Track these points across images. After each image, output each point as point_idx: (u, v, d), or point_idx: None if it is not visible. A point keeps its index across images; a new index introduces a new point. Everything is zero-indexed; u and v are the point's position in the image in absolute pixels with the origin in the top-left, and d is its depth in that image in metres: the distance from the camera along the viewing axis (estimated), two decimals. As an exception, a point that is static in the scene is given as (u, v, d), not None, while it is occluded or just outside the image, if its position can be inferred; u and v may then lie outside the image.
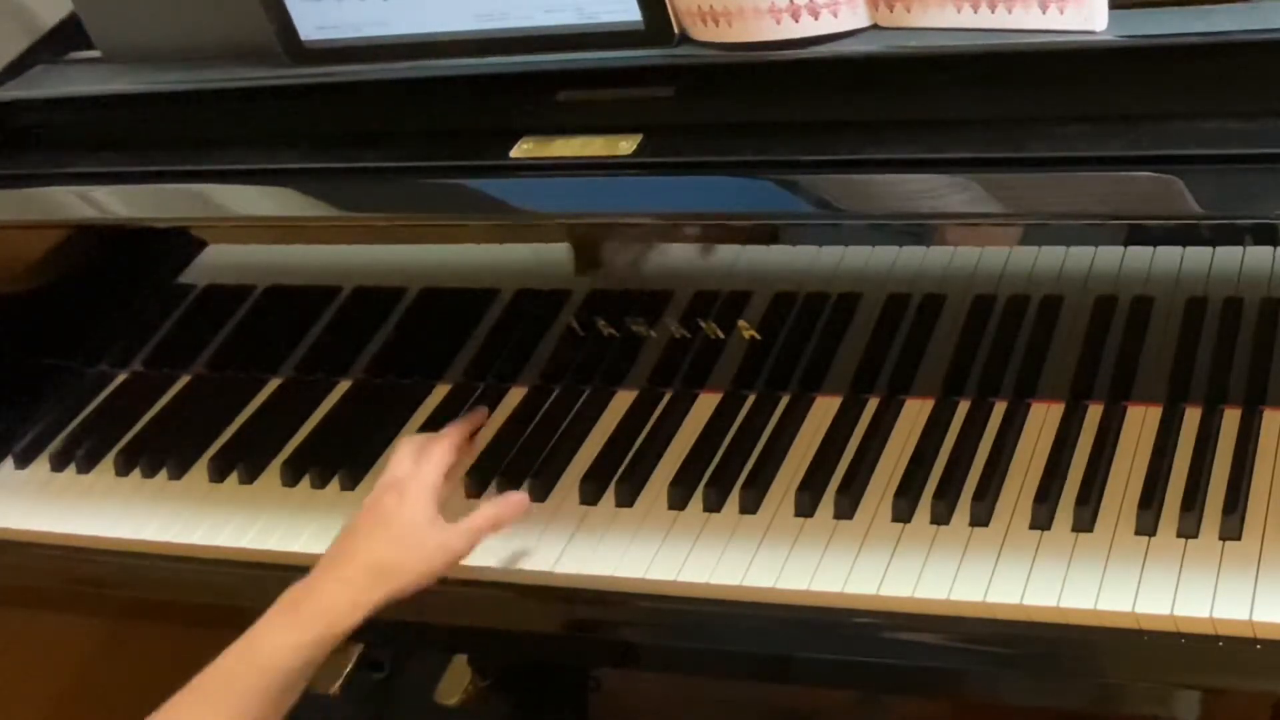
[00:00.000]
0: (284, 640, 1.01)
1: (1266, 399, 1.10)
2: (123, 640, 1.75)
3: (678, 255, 1.19)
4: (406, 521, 1.07)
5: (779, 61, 1.01)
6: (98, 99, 1.24)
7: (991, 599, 1.02)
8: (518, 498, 1.13)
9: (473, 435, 1.22)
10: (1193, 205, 0.93)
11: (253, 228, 1.29)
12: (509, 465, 1.22)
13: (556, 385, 1.30)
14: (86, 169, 1.22)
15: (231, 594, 1.25)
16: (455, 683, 1.50)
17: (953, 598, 1.02)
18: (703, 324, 1.20)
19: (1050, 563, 1.03)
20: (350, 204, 1.16)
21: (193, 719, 0.99)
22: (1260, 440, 1.08)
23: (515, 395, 1.30)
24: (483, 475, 1.21)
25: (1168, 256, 1.07)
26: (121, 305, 1.42)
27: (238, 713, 0.98)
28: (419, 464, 1.11)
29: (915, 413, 1.18)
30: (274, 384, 1.39)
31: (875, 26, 1.00)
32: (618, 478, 1.19)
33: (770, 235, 1.16)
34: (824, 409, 1.21)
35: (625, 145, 1.06)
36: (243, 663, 1.00)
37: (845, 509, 1.11)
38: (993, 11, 0.96)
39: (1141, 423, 1.12)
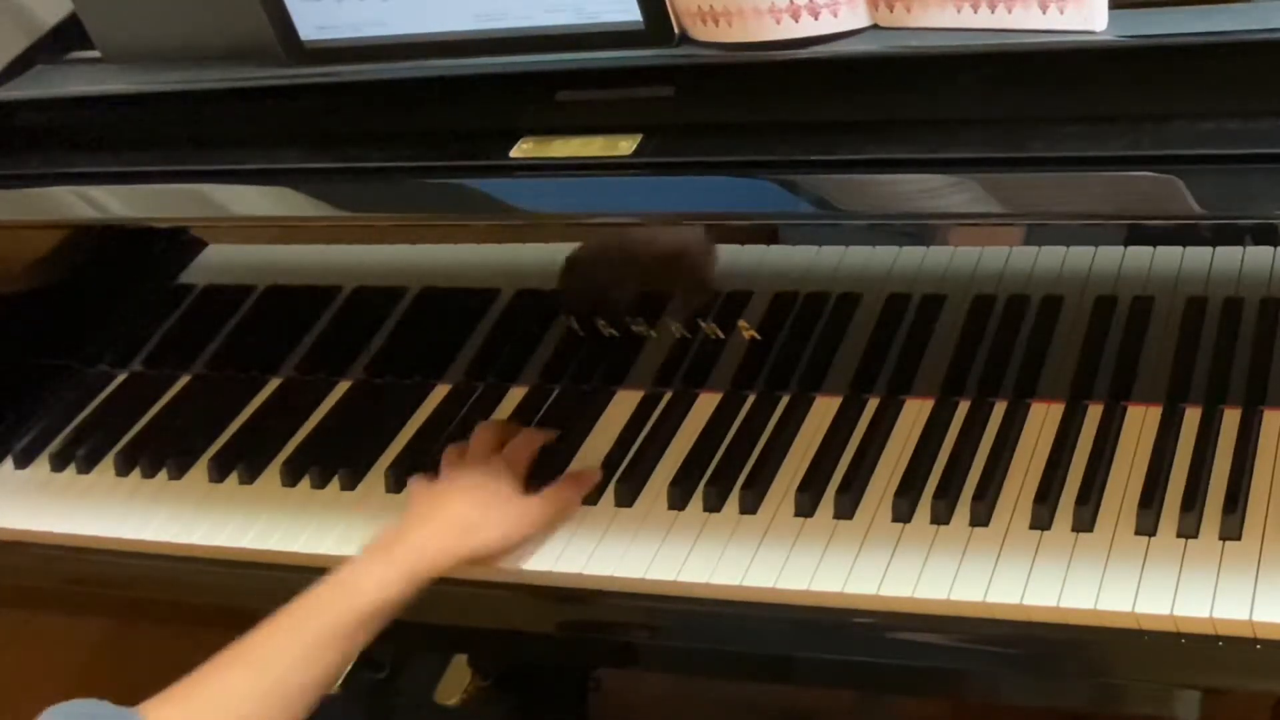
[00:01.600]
0: (375, 578, 1.06)
1: (1266, 399, 1.10)
2: (123, 640, 1.75)
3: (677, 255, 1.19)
4: (492, 488, 1.13)
5: (779, 61, 1.00)
6: (98, 99, 1.24)
7: (991, 599, 1.02)
8: (590, 473, 1.18)
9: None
10: (1193, 205, 0.93)
11: (253, 228, 1.29)
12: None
13: (556, 385, 1.30)
14: (86, 169, 1.22)
15: (231, 594, 1.25)
16: (455, 683, 1.50)
17: (953, 598, 1.02)
18: (703, 324, 1.20)
19: (1050, 563, 1.03)
20: (350, 204, 1.16)
21: (283, 643, 1.02)
22: (1260, 440, 1.08)
23: (515, 395, 1.31)
24: (483, 475, 1.21)
25: (1168, 256, 1.07)
26: (121, 305, 1.42)
27: (320, 642, 1.03)
28: (505, 450, 1.19)
29: (915, 413, 1.18)
30: (274, 384, 1.39)
31: (875, 26, 1.00)
32: (618, 478, 1.19)
33: (770, 235, 1.16)
34: (824, 409, 1.21)
35: (625, 145, 1.06)
36: (335, 596, 1.05)
37: (845, 509, 1.11)
38: (993, 11, 0.96)
39: (1141, 423, 1.12)
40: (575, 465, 1.22)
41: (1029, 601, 1.01)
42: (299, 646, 1.02)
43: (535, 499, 1.14)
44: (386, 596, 1.05)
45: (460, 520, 1.11)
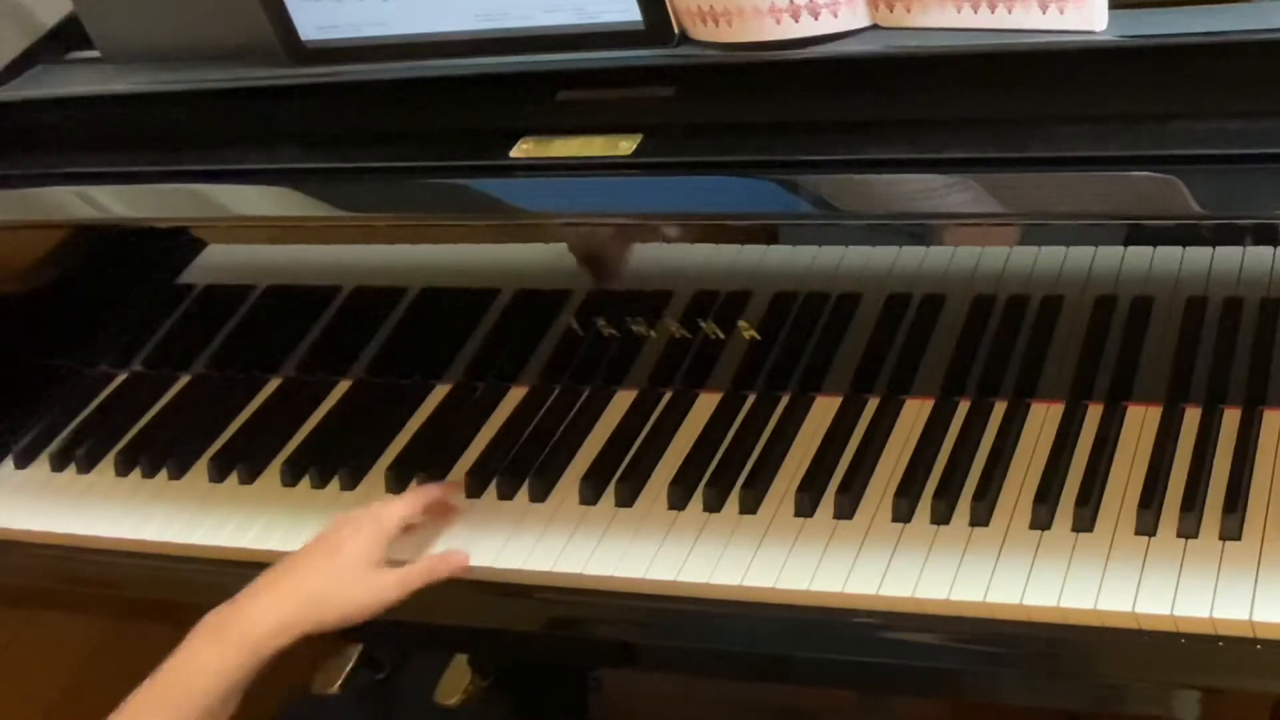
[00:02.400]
0: (209, 664, 1.02)
1: (1266, 399, 1.10)
2: (123, 640, 1.75)
3: (678, 255, 1.19)
4: (350, 558, 1.08)
5: (779, 61, 1.01)
6: (98, 99, 1.24)
7: (991, 599, 1.02)
8: (458, 558, 1.13)
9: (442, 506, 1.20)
10: (1193, 205, 0.93)
11: (253, 228, 1.28)
12: (509, 465, 1.22)
13: (556, 385, 1.30)
14: (86, 169, 1.22)
15: (231, 594, 1.25)
16: (455, 683, 1.50)
17: (953, 598, 1.02)
18: (703, 324, 1.20)
19: (1050, 563, 1.03)
20: (350, 204, 1.16)
21: None
22: (1260, 440, 1.08)
23: (515, 395, 1.30)
24: (483, 475, 1.21)
25: (1168, 256, 1.07)
26: (121, 305, 1.42)
27: None
28: (384, 505, 1.13)
29: (915, 413, 1.18)
30: (274, 384, 1.39)
31: (875, 26, 1.00)
32: (618, 478, 1.19)
33: (770, 235, 1.16)
34: (824, 409, 1.21)
35: (625, 145, 1.06)
36: (164, 688, 1.02)
37: (845, 509, 1.11)
38: (993, 11, 0.96)
39: (1141, 423, 1.12)
40: (575, 465, 1.22)
41: (1029, 601, 1.01)
42: None
43: (392, 576, 1.09)
44: (222, 684, 1.01)
45: (306, 592, 1.06)
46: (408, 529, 1.14)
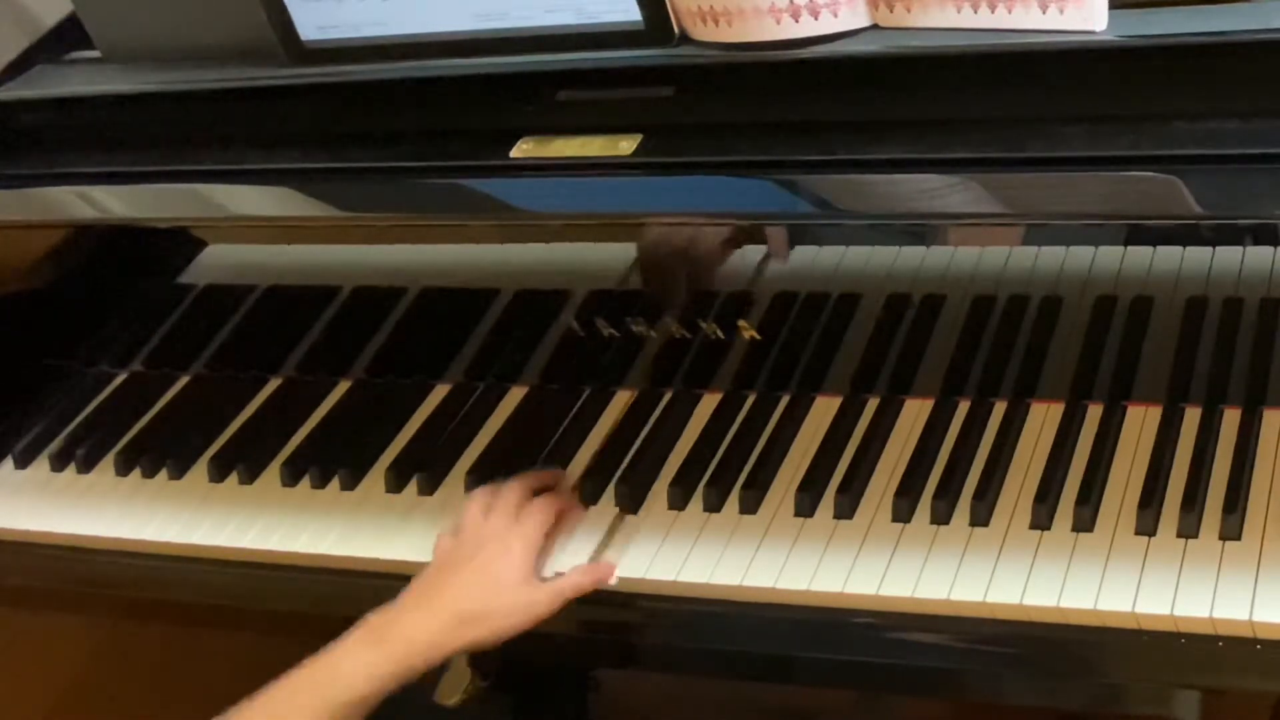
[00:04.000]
0: (363, 669, 1.02)
1: (1266, 399, 1.10)
2: (123, 640, 1.75)
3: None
4: (503, 576, 1.07)
5: (779, 61, 1.01)
6: (98, 99, 1.24)
7: (991, 599, 1.02)
8: (607, 567, 1.11)
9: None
10: (1193, 205, 0.93)
11: (253, 228, 1.28)
12: (509, 466, 1.22)
13: (556, 385, 1.30)
14: (86, 169, 1.22)
15: (231, 594, 1.25)
16: (455, 683, 1.49)
17: (953, 598, 1.02)
18: (703, 324, 1.20)
19: (1050, 563, 1.03)
20: (350, 204, 1.16)
21: None
22: (1260, 440, 1.08)
23: (515, 395, 1.30)
24: (483, 476, 1.21)
25: (1168, 256, 1.07)
26: (121, 305, 1.42)
27: None
28: (524, 520, 1.11)
29: (915, 413, 1.18)
30: (274, 384, 1.39)
31: (875, 26, 1.00)
32: (618, 478, 1.19)
33: (770, 235, 1.16)
34: (824, 409, 1.21)
35: (625, 145, 1.06)
36: (317, 682, 1.01)
37: (845, 509, 1.11)
38: (993, 11, 0.96)
39: (1141, 423, 1.12)
40: (575, 466, 1.22)
41: (1029, 601, 1.01)
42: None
43: (543, 591, 1.08)
44: (372, 689, 1.02)
45: (459, 611, 1.05)
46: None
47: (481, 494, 1.15)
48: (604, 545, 1.13)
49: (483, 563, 1.08)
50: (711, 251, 1.17)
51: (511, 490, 1.14)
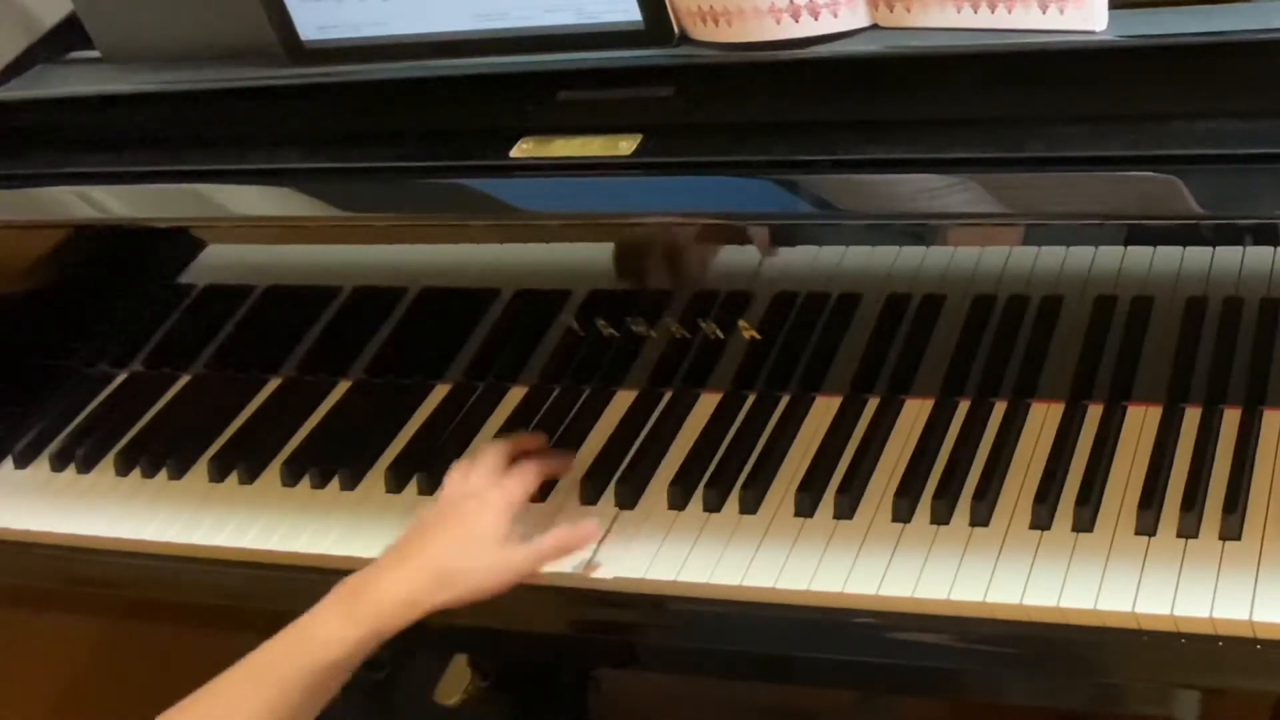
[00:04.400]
0: (336, 631, 1.02)
1: (1266, 399, 1.10)
2: (123, 640, 1.75)
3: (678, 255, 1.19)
4: (481, 532, 1.06)
5: (779, 61, 1.01)
6: (98, 99, 1.24)
7: (991, 599, 1.02)
8: (588, 527, 1.11)
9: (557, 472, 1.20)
10: (1193, 205, 0.93)
11: (253, 228, 1.28)
12: (509, 465, 1.22)
13: (556, 385, 1.30)
14: (86, 169, 1.22)
15: (231, 594, 1.25)
16: (455, 683, 1.50)
17: (953, 598, 1.02)
18: (703, 324, 1.20)
19: (1050, 563, 1.03)
20: (350, 204, 1.16)
21: (236, 698, 1.00)
22: (1260, 440, 1.08)
23: (515, 395, 1.31)
24: (483, 475, 1.21)
25: (1168, 256, 1.07)
26: (121, 305, 1.42)
27: (280, 697, 0.99)
28: (506, 478, 1.11)
29: (915, 413, 1.18)
30: (274, 384, 1.39)
31: (875, 26, 1.00)
32: (618, 478, 1.19)
33: (770, 235, 1.16)
34: (824, 409, 1.21)
35: (625, 145, 1.06)
36: (292, 649, 1.01)
37: (845, 509, 1.11)
38: (993, 11, 0.96)
39: (1141, 423, 1.12)
40: (575, 465, 1.21)
41: (1029, 601, 1.01)
42: (256, 700, 0.99)
43: (522, 550, 1.07)
44: (349, 651, 1.01)
45: (437, 567, 1.05)
46: None
47: (462, 460, 1.14)
48: (604, 545, 1.13)
49: (459, 520, 1.07)
50: (709, 251, 1.17)
51: (490, 453, 1.13)
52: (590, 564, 1.11)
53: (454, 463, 1.15)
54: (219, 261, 1.35)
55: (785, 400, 1.22)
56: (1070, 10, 0.94)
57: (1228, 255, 1.05)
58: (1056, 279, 1.11)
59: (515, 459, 1.15)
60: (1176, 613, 0.97)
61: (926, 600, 1.03)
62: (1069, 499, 1.07)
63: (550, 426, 1.26)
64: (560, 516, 1.16)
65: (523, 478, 1.12)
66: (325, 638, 1.02)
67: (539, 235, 1.22)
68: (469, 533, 1.06)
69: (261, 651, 1.01)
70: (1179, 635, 0.98)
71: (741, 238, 1.16)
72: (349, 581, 1.05)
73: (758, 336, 1.20)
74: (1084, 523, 1.05)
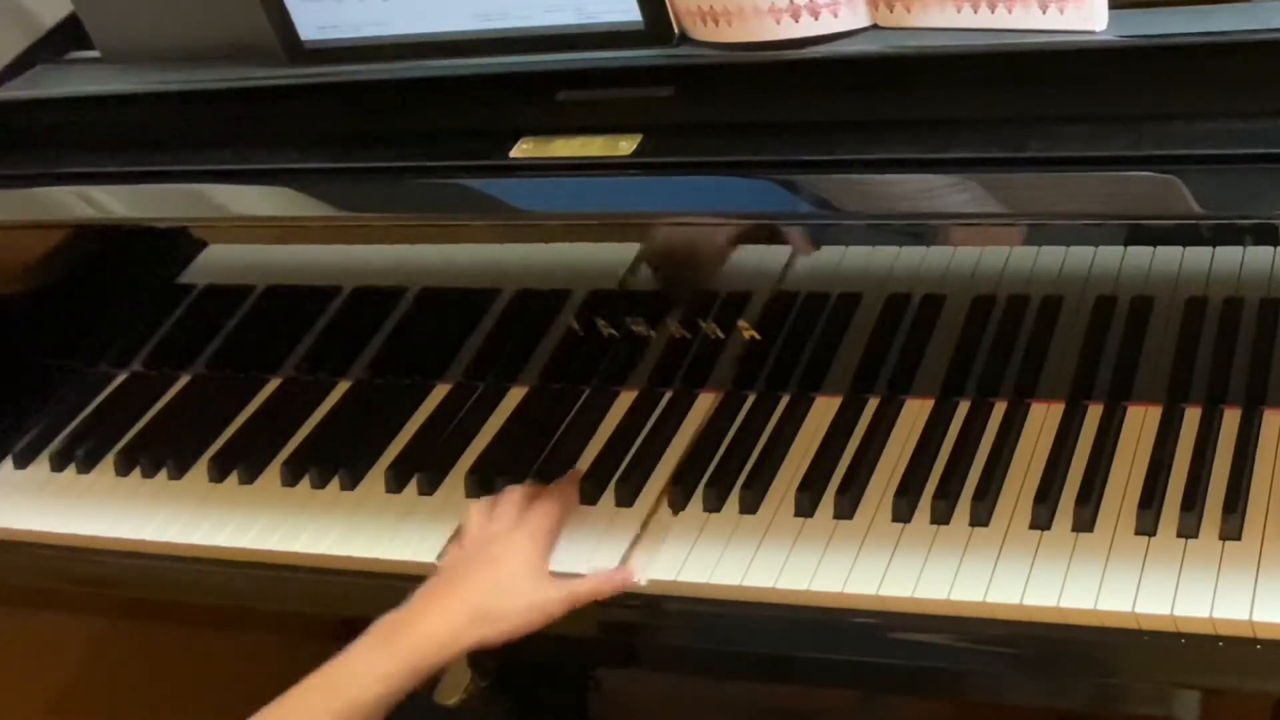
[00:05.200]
0: (374, 669, 1.01)
1: (1266, 399, 1.10)
2: (123, 640, 1.75)
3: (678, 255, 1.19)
4: (514, 573, 1.07)
5: (779, 61, 1.01)
6: (98, 99, 1.24)
7: (991, 599, 1.02)
8: (625, 574, 1.10)
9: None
10: (1193, 205, 0.93)
11: (253, 228, 1.29)
12: (509, 465, 1.22)
13: (556, 385, 1.30)
14: (86, 169, 1.22)
15: (231, 594, 1.25)
16: (455, 683, 1.49)
17: (953, 598, 1.02)
18: (703, 324, 1.20)
19: (1050, 563, 1.03)
20: (350, 204, 1.16)
21: None
22: (1260, 440, 1.08)
23: (515, 395, 1.30)
24: (483, 476, 1.21)
25: (1168, 256, 1.07)
26: (121, 305, 1.42)
27: None
28: (527, 515, 1.11)
29: (915, 413, 1.18)
30: (274, 384, 1.39)
31: (875, 26, 1.00)
32: (618, 478, 1.19)
33: (770, 235, 1.16)
34: (824, 409, 1.21)
35: (625, 145, 1.06)
36: (330, 685, 1.01)
37: (845, 509, 1.11)
38: (993, 11, 0.96)
39: (1141, 423, 1.12)
40: (576, 466, 1.21)
41: (1029, 601, 1.01)
42: None
43: (558, 592, 1.07)
44: (386, 690, 1.01)
45: (473, 608, 1.05)
46: None
47: (483, 500, 1.15)
48: (604, 546, 1.13)
49: (493, 561, 1.08)
50: (714, 251, 1.17)
51: (513, 491, 1.14)
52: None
53: (474, 501, 1.15)
54: (219, 261, 1.35)
55: (785, 400, 1.22)
56: (1070, 10, 0.94)
57: (1228, 255, 1.05)
58: (1056, 279, 1.11)
59: (534, 494, 1.15)
60: (1176, 613, 0.97)
61: (926, 600, 1.03)
62: (1069, 499, 1.07)
63: (550, 426, 1.26)
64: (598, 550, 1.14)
65: (545, 514, 1.12)
66: (364, 674, 1.01)
67: (539, 235, 1.22)
68: (503, 574, 1.07)
69: (299, 689, 1.01)
70: (1179, 635, 0.98)
71: (741, 237, 1.16)
72: (387, 619, 1.04)
73: (758, 336, 1.20)
74: (1084, 523, 1.05)
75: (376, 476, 1.25)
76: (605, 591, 1.09)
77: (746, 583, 1.08)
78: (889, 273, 1.14)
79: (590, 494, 1.18)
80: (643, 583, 1.10)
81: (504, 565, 1.07)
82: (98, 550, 1.28)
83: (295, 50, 1.13)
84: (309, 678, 1.01)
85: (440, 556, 1.15)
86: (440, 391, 1.33)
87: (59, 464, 1.36)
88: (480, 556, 1.09)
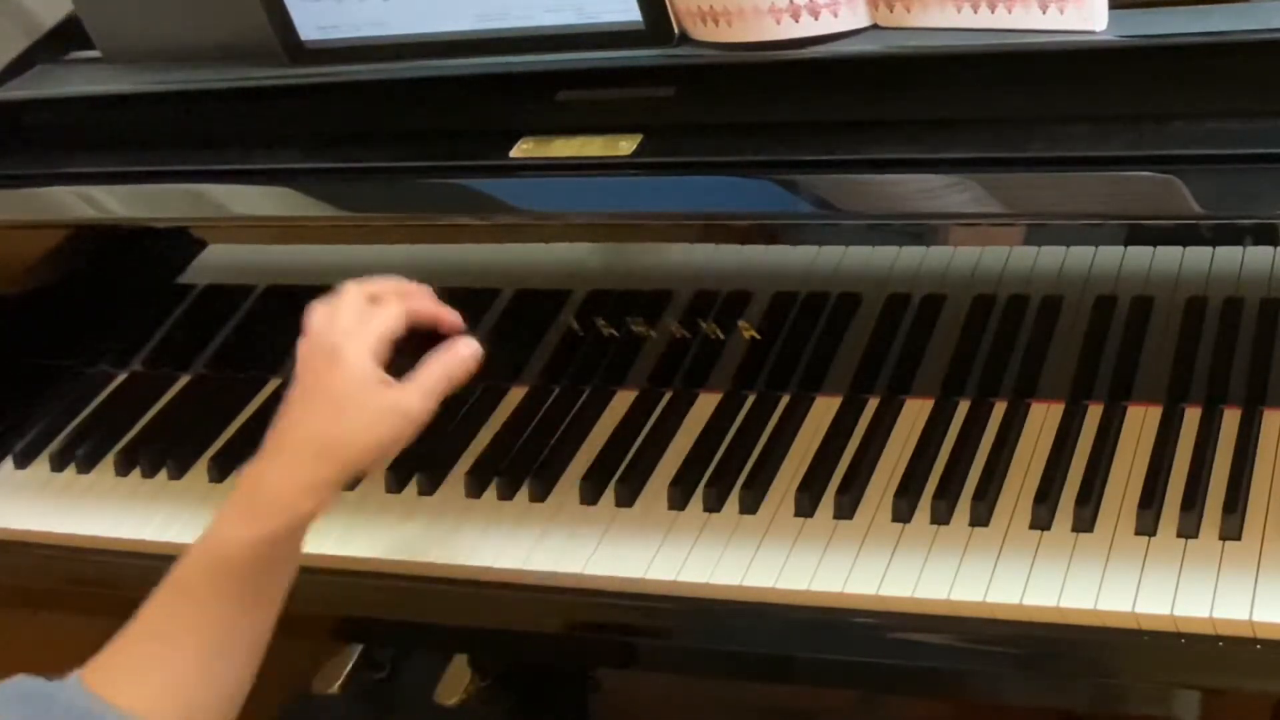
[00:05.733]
0: (242, 535, 0.94)
1: (1266, 399, 1.10)
2: (123, 640, 1.74)
3: (678, 255, 1.19)
4: (343, 386, 0.95)
5: (779, 61, 1.01)
6: (98, 99, 1.24)
7: (991, 599, 1.02)
8: (467, 344, 0.99)
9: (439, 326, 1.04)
10: (1193, 205, 0.93)
11: (253, 228, 1.29)
12: (509, 465, 1.22)
13: (556, 385, 1.30)
14: (86, 169, 1.22)
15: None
16: (455, 683, 1.49)
17: (953, 598, 1.02)
18: (703, 324, 1.20)
19: (1050, 563, 1.03)
20: (350, 204, 1.16)
21: (166, 628, 0.94)
22: (1260, 440, 1.08)
23: (515, 395, 1.30)
24: (483, 476, 1.21)
25: (1168, 256, 1.07)
26: (121, 305, 1.42)
27: (208, 617, 0.94)
28: (366, 318, 0.98)
29: (915, 413, 1.18)
30: (274, 384, 1.39)
31: (875, 26, 1.00)
32: (618, 478, 1.19)
33: (770, 235, 1.16)
34: (824, 409, 1.21)
35: (625, 145, 1.06)
36: (201, 563, 0.95)
37: (845, 509, 1.11)
38: (993, 11, 0.96)
39: (1141, 423, 1.12)
40: (575, 465, 1.21)
41: (1029, 601, 1.01)
42: (183, 621, 0.94)
43: (408, 386, 0.96)
44: (260, 552, 0.94)
45: (317, 440, 0.94)
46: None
47: (322, 304, 1.01)
48: (604, 545, 1.13)
49: (316, 382, 0.96)
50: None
51: (348, 291, 1.01)
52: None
53: (314, 308, 1.01)
54: (219, 261, 1.35)
55: (785, 400, 1.22)
56: (1070, 10, 0.94)
57: (1228, 255, 1.05)
58: (1056, 279, 1.11)
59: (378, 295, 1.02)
60: (1176, 613, 0.97)
61: (926, 600, 1.03)
62: (1069, 499, 1.07)
63: (550, 426, 1.25)
64: None
65: (383, 316, 0.99)
66: (233, 541, 0.94)
67: (539, 235, 1.22)
68: (332, 391, 0.95)
69: (172, 574, 0.95)
70: (1179, 635, 0.98)
71: (742, 237, 1.16)
72: (240, 488, 0.97)
73: (758, 336, 1.20)
74: (1084, 523, 1.05)
75: (377, 476, 1.25)
76: (458, 369, 0.99)
77: (746, 583, 1.07)
78: (889, 273, 1.14)
79: (590, 494, 1.18)
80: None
81: (331, 383, 0.95)
82: (98, 550, 1.28)
83: (295, 50, 1.13)
84: (182, 558, 0.95)
85: None
86: (440, 391, 1.32)
87: (59, 464, 1.36)
88: (305, 383, 0.97)
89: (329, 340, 0.97)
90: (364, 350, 0.96)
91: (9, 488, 1.36)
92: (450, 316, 1.03)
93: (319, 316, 0.99)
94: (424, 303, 1.03)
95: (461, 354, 0.99)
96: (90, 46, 1.25)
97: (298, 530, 0.97)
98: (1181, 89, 0.96)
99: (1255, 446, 1.08)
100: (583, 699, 1.55)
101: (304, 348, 0.99)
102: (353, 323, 0.98)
